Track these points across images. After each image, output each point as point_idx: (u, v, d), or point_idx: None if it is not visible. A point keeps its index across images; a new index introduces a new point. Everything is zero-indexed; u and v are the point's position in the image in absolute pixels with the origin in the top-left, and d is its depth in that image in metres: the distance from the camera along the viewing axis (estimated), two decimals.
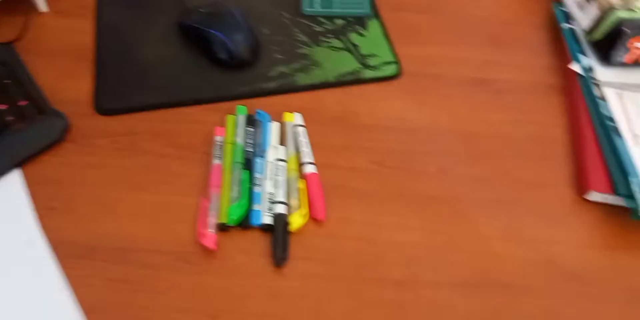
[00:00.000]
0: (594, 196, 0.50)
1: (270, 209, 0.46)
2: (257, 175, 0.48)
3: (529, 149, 0.54)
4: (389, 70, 0.58)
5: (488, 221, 0.48)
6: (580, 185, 0.51)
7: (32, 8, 0.59)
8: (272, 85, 0.55)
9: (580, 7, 0.63)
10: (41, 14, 0.59)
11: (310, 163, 0.49)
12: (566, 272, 0.46)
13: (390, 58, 0.59)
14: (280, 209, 0.46)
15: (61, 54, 0.56)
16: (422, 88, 0.58)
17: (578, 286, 0.45)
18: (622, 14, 0.57)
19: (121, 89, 0.53)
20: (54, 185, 0.47)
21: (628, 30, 0.55)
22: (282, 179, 0.48)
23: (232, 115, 0.52)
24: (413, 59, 0.60)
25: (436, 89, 0.58)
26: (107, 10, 0.60)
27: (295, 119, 0.53)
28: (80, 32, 0.58)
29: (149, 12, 0.60)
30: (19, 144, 0.48)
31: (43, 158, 0.49)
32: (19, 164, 0.48)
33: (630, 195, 0.48)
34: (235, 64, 0.55)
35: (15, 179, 0.47)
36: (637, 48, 0.57)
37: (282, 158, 0.49)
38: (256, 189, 0.47)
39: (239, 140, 0.50)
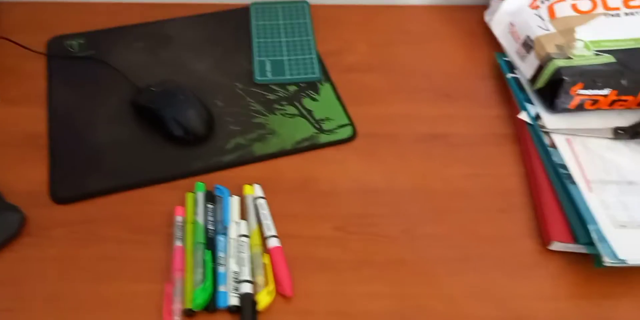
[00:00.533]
0: (557, 246, 0.51)
1: (236, 289, 0.46)
2: (220, 254, 0.47)
3: (489, 202, 0.55)
4: (344, 132, 0.59)
5: (455, 281, 0.48)
6: (542, 236, 0.52)
7: None
8: (229, 158, 0.56)
9: (521, 57, 0.65)
10: None
11: (273, 236, 0.49)
12: None
13: (344, 120, 0.60)
14: (246, 288, 0.46)
15: (13, 144, 0.55)
16: (378, 148, 0.59)
17: None
18: (560, 63, 0.59)
19: (76, 175, 0.53)
20: (10, 285, 0.46)
21: (568, 79, 0.58)
22: (246, 255, 0.48)
23: (191, 193, 0.52)
24: (367, 119, 0.61)
25: (392, 147, 0.59)
26: (58, 95, 0.60)
27: (255, 191, 0.53)
28: (32, 119, 0.58)
29: (100, 94, 0.60)
30: None
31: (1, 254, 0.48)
32: None
33: (591, 243, 0.49)
34: (190, 140, 0.56)
35: None
36: (579, 95, 0.59)
37: (245, 233, 0.49)
38: (221, 269, 0.46)
39: (200, 219, 0.50)
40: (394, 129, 0.61)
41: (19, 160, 0.54)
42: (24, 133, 0.56)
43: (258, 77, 0.64)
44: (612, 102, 0.60)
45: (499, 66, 0.67)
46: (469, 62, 0.69)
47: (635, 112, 0.62)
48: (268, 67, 0.65)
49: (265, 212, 0.51)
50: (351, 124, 0.60)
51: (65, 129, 0.57)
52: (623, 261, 0.47)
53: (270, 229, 0.49)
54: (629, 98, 0.60)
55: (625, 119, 0.61)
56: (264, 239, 0.49)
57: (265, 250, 0.49)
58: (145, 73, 0.62)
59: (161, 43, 0.67)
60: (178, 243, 0.48)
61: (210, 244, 0.48)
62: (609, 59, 0.60)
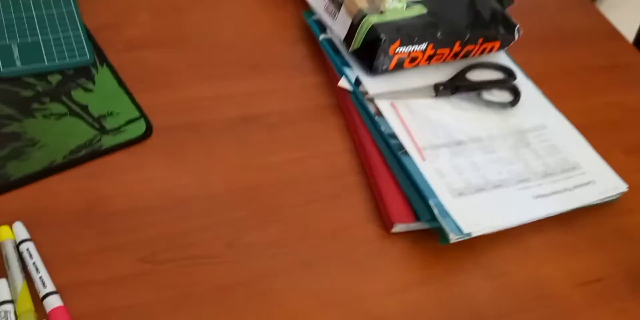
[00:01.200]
0: (400, 228, 0.45)
1: None
2: None
3: (320, 189, 0.47)
4: (136, 129, 0.47)
5: (298, 295, 0.41)
6: (383, 219, 0.46)
7: None
8: None
9: (331, 15, 0.57)
10: None
11: (51, 293, 0.36)
12: None
13: (133, 113, 0.48)
14: None
15: None
16: (182, 143, 0.47)
17: None
18: (374, 19, 0.53)
19: None
20: None
21: (385, 36, 0.51)
22: None
23: None
24: (162, 108, 0.49)
25: (199, 140, 0.48)
26: None
27: (15, 232, 0.38)
28: None
29: None
30: None
31: None
32: None
33: (434, 219, 0.44)
34: None
35: None
36: (397, 53, 0.53)
37: (7, 299, 0.35)
38: None
39: None
40: (198, 117, 0.50)
41: None
42: None
43: (2, 68, 0.47)
44: (430, 57, 0.56)
45: (309, 27, 0.59)
46: (275, 24, 0.60)
47: (451, 65, 0.58)
48: (15, 52, 0.49)
49: (34, 261, 0.37)
50: (143, 116, 0.48)
51: None
52: (469, 234, 0.44)
53: (45, 285, 0.36)
54: (445, 51, 0.56)
55: (443, 74, 0.57)
56: (40, 299, 0.36)
57: (44, 315, 0.36)
58: None
59: None
60: None
61: None
62: (420, 10, 0.56)
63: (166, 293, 0.39)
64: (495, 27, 0.58)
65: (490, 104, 0.56)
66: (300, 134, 0.51)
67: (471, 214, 0.45)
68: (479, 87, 0.57)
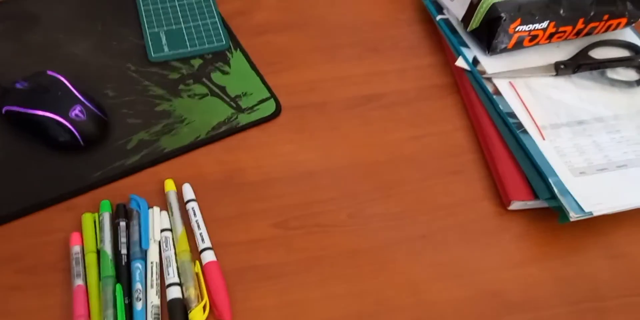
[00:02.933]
0: (517, 205, 0.46)
1: None
2: (137, 286, 0.39)
3: (439, 166, 0.49)
4: (267, 108, 0.51)
5: (416, 264, 0.43)
6: (501, 196, 0.47)
7: None
8: (133, 160, 0.47)
9: None
10: None
11: (208, 248, 0.42)
12: (511, 302, 0.42)
13: (264, 94, 0.52)
14: (175, 292, 0.38)
15: None
16: (308, 121, 0.51)
17: (527, 314, 0.41)
18: None
19: None
20: None
21: (505, 15, 0.51)
22: (173, 266, 0.40)
23: (89, 214, 0.43)
24: (290, 88, 0.53)
25: (323, 118, 0.52)
26: None
27: (184, 192, 0.44)
28: None
29: None
30: None
31: None
32: None
33: (553, 197, 0.45)
34: (81, 145, 0.46)
35: None
36: (517, 32, 0.53)
37: (170, 249, 0.41)
38: (138, 306, 0.38)
39: (106, 245, 0.41)
40: (322, 97, 0.53)
41: None
42: None
43: (153, 54, 0.54)
44: (551, 35, 0.55)
45: (426, 8, 0.60)
46: (392, 7, 0.62)
47: (573, 43, 0.57)
48: (163, 39, 0.55)
49: (197, 219, 0.43)
50: (273, 96, 0.52)
51: None
52: (590, 213, 0.43)
53: (204, 240, 0.42)
54: (567, 29, 0.55)
55: (564, 52, 0.56)
56: (194, 249, 0.42)
57: (199, 265, 0.41)
58: (10, 66, 0.51)
59: (25, 25, 0.55)
60: (78, 281, 0.39)
61: (123, 275, 0.40)
62: None
63: (297, 255, 0.43)
64: (622, 3, 0.55)
65: (615, 82, 0.54)
66: (418, 112, 0.53)
67: (593, 193, 0.45)
68: (602, 65, 0.55)
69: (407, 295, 0.42)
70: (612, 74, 0.55)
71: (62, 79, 0.47)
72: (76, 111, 0.46)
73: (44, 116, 0.45)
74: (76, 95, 0.47)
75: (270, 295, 0.41)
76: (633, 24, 0.57)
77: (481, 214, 0.46)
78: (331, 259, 0.43)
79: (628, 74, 0.55)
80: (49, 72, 0.48)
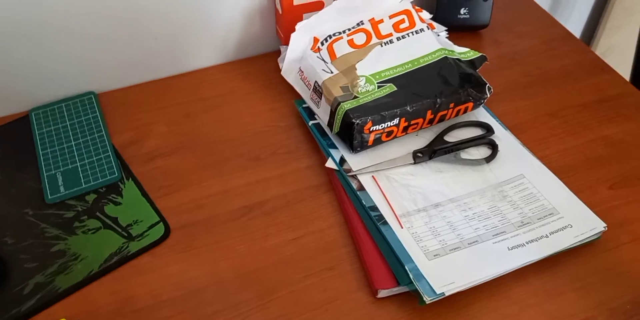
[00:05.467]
0: (385, 293, 0.51)
1: None
2: None
3: (315, 264, 0.54)
4: (156, 233, 0.56)
5: None
6: (370, 286, 0.52)
7: None
8: (29, 304, 0.51)
9: (316, 103, 0.66)
10: None
11: None
12: None
13: (154, 219, 0.57)
14: None
15: None
16: (195, 239, 0.56)
17: None
18: (347, 105, 0.60)
19: None
20: None
21: (357, 121, 0.58)
22: None
23: None
24: (179, 209, 0.59)
25: (209, 234, 0.57)
26: None
27: None
28: None
29: None
30: None
31: None
32: None
33: (412, 282, 0.50)
34: None
35: None
36: (372, 131, 0.60)
37: None
38: None
39: None
40: (208, 212, 0.59)
41: None
42: None
43: (50, 196, 0.59)
44: (405, 128, 0.62)
45: (301, 114, 0.67)
46: (272, 115, 0.69)
47: (432, 129, 0.64)
48: (59, 180, 0.61)
49: None
50: (162, 220, 0.57)
51: None
52: (442, 294, 0.48)
53: None
54: (419, 121, 0.62)
55: (423, 139, 0.63)
56: None
57: None
58: None
59: None
60: None
61: None
62: (390, 88, 0.62)
63: None
64: (465, 91, 0.63)
65: (467, 162, 0.61)
66: (296, 214, 0.58)
67: (445, 273, 0.50)
68: (456, 148, 0.62)
69: None
70: (464, 154, 0.61)
71: None
72: None
73: None
74: None
75: None
76: (482, 105, 0.65)
77: (355, 305, 0.51)
78: None
79: (480, 152, 0.62)
80: None
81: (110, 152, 0.64)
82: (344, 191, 0.59)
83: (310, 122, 0.66)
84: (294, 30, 0.67)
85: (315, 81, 0.65)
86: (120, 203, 0.59)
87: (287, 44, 0.69)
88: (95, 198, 0.59)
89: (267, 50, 0.78)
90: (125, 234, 0.56)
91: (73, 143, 0.65)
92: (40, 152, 0.64)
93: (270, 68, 0.75)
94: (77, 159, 0.63)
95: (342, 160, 0.61)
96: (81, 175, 0.61)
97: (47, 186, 0.60)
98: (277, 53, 0.75)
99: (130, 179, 0.61)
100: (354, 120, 0.58)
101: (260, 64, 0.76)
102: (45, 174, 0.61)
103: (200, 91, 0.72)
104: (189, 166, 0.63)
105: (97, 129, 0.67)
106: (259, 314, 0.50)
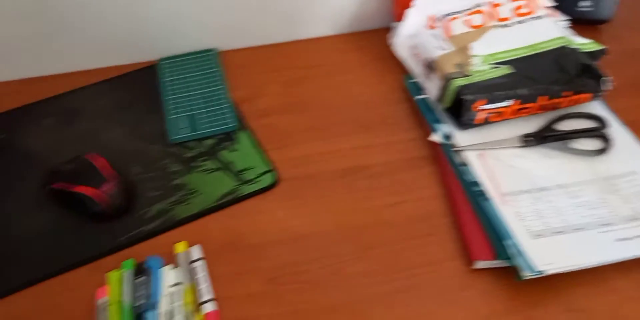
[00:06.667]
0: (481, 264, 0.52)
1: None
2: None
3: (414, 229, 0.56)
4: (266, 180, 0.60)
5: (390, 317, 0.49)
6: (467, 256, 0.53)
7: None
8: (152, 226, 0.56)
9: (426, 78, 0.67)
10: None
11: (209, 300, 0.49)
12: None
13: (264, 168, 0.61)
14: None
15: None
16: (301, 191, 0.59)
17: None
18: (459, 82, 0.61)
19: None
20: None
21: (468, 97, 0.60)
22: (180, 318, 0.48)
23: (113, 272, 0.52)
24: (287, 162, 0.62)
25: (314, 188, 0.60)
26: None
27: (191, 253, 0.53)
28: None
29: (14, 181, 0.60)
30: None
31: None
32: None
33: (510, 258, 0.51)
34: (110, 215, 0.56)
35: None
36: (482, 110, 0.61)
37: (178, 301, 0.49)
38: None
39: (126, 297, 0.49)
40: (315, 169, 0.62)
41: None
42: None
43: (173, 136, 0.64)
44: (516, 111, 0.62)
45: (408, 89, 0.69)
46: (381, 88, 0.71)
47: (540, 116, 0.64)
48: (182, 124, 0.65)
49: (202, 275, 0.51)
50: (272, 170, 0.61)
51: None
52: (541, 272, 0.49)
53: (206, 294, 0.50)
54: (531, 105, 0.62)
55: (532, 124, 0.63)
56: (199, 303, 0.49)
57: (202, 316, 0.49)
58: (57, 151, 0.62)
59: (70, 117, 0.66)
60: None
61: None
62: (506, 70, 0.63)
63: (284, 308, 0.50)
64: (581, 81, 0.62)
65: (577, 151, 0.60)
66: (398, 181, 0.60)
67: (547, 253, 0.50)
68: (566, 137, 0.62)
69: None
70: (575, 144, 0.61)
71: (97, 160, 0.58)
72: (107, 187, 0.56)
73: (80, 192, 0.55)
74: (108, 174, 0.57)
75: None
76: (599, 97, 0.64)
77: (451, 272, 0.53)
78: (314, 311, 0.50)
79: (592, 144, 0.61)
80: (86, 155, 0.58)
81: (227, 104, 0.68)
82: (448, 164, 0.60)
83: (418, 97, 0.67)
84: (408, 7, 0.68)
85: (428, 57, 0.66)
86: (235, 150, 0.63)
87: (400, 20, 0.70)
88: (213, 143, 0.64)
89: (379, 26, 0.80)
90: (238, 178, 0.60)
91: (195, 92, 0.70)
92: (166, 98, 0.69)
93: (381, 43, 0.77)
94: (198, 107, 0.68)
95: (448, 136, 0.62)
96: (201, 121, 0.66)
97: (171, 128, 0.65)
98: (389, 29, 0.77)
99: (245, 131, 0.65)
100: (464, 97, 0.60)
101: (372, 38, 0.78)
102: (169, 117, 0.66)
103: (312, 59, 0.75)
104: (299, 126, 0.67)
105: (217, 82, 0.71)
106: (356, 265, 0.53)
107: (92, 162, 0.57)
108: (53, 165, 0.59)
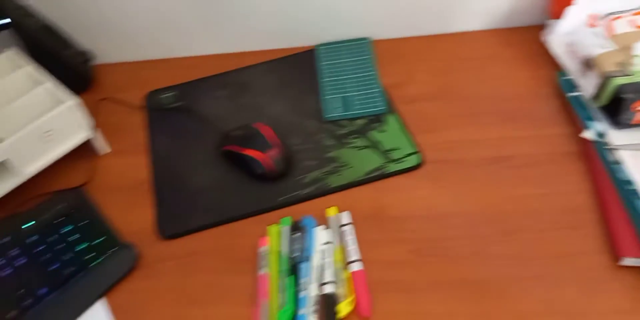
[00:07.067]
0: (629, 261, 0.52)
1: (314, 311, 0.51)
2: (302, 280, 0.53)
3: (558, 220, 0.56)
4: (412, 161, 0.63)
5: (528, 299, 0.51)
6: (613, 251, 0.53)
7: (95, 152, 0.69)
8: (307, 191, 0.61)
9: (582, 75, 0.67)
10: (104, 155, 0.69)
11: (356, 260, 0.54)
12: None
13: (411, 149, 0.65)
14: (329, 288, 0.51)
15: (123, 190, 0.65)
16: (445, 174, 0.62)
17: None
18: (621, 80, 0.61)
19: (178, 214, 0.61)
20: (131, 312, 0.54)
21: (628, 96, 0.59)
22: (330, 271, 0.53)
23: (273, 226, 0.58)
24: (433, 146, 0.65)
25: (459, 172, 0.62)
26: (157, 144, 0.69)
27: (341, 218, 0.58)
28: (137, 167, 0.67)
29: (192, 141, 0.69)
30: (99, 278, 0.56)
31: (121, 286, 0.56)
32: (102, 295, 0.55)
33: None
34: (271, 177, 0.62)
35: (100, 309, 0.54)
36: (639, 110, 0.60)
37: (329, 257, 0.54)
38: (301, 294, 0.52)
39: (284, 248, 0.56)
40: (460, 155, 0.64)
41: (130, 203, 0.63)
42: (132, 179, 0.66)
43: (328, 115, 0.70)
44: None
45: (560, 85, 0.69)
46: (530, 83, 0.71)
47: None
48: (336, 104, 0.71)
49: (351, 238, 0.56)
50: (418, 152, 0.64)
51: (166, 174, 0.66)
52: None
53: (353, 254, 0.54)
54: None
55: None
56: (347, 262, 0.54)
57: (348, 273, 0.54)
58: (228, 119, 0.70)
59: (240, 90, 0.75)
60: (262, 271, 0.54)
61: (293, 271, 0.54)
62: None
63: (426, 277, 0.53)
64: None
65: None
66: (543, 174, 0.61)
67: None
68: None
69: (512, 314, 0.49)
70: None
71: (264, 129, 0.65)
72: (271, 153, 0.62)
73: (248, 155, 0.62)
74: (272, 142, 0.64)
75: (400, 304, 0.52)
76: None
77: (593, 265, 0.53)
78: (454, 284, 0.52)
79: None
80: (254, 124, 0.66)
81: (378, 89, 0.72)
82: (599, 162, 0.59)
83: (571, 94, 0.67)
84: (566, 5, 0.68)
85: (586, 55, 0.66)
86: (384, 131, 0.67)
87: (556, 18, 0.70)
88: (363, 123, 0.68)
89: (531, 23, 0.80)
90: (386, 156, 0.64)
91: (348, 76, 0.75)
92: (322, 80, 0.75)
93: (532, 39, 0.77)
94: (351, 89, 0.73)
95: (601, 134, 0.62)
96: (354, 103, 0.71)
97: (325, 106, 0.71)
98: (542, 26, 0.77)
99: (393, 114, 0.69)
100: (623, 96, 0.59)
101: (523, 34, 0.78)
102: (324, 97, 0.72)
103: (462, 51, 0.77)
104: (445, 113, 0.69)
105: (369, 68, 0.76)
106: (496, 247, 0.55)
107: (259, 130, 0.64)
108: (225, 130, 0.67)
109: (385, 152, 0.65)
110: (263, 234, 0.58)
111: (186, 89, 0.75)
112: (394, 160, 0.63)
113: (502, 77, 0.72)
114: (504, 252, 0.54)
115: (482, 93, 0.71)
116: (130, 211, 0.62)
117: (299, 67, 0.77)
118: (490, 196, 0.59)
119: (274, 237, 0.57)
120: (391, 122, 0.68)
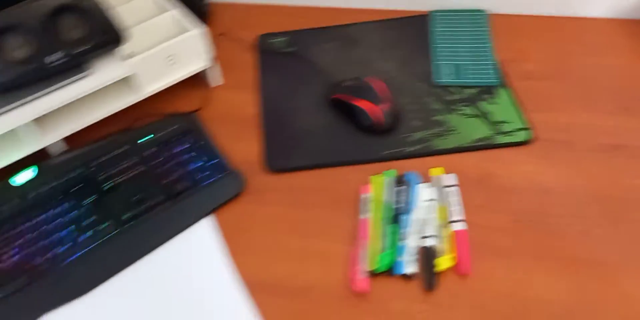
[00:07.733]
0: None
1: (414, 261, 0.51)
2: (403, 230, 0.53)
3: None
4: (521, 135, 0.62)
5: (635, 283, 0.49)
6: None
7: (209, 83, 0.71)
8: (412, 149, 0.61)
9: None
10: (216, 87, 0.71)
11: (460, 220, 0.54)
12: None
13: (521, 124, 0.63)
14: (430, 242, 0.52)
15: (233, 121, 0.66)
16: (554, 153, 0.61)
17: None
18: None
19: (285, 151, 0.62)
20: (237, 231, 0.56)
21: None
22: (432, 227, 0.53)
23: (377, 176, 0.58)
24: (543, 125, 0.63)
25: (569, 154, 0.61)
26: (267, 84, 0.70)
27: (446, 179, 0.58)
28: (247, 102, 0.68)
29: (301, 85, 0.69)
30: (208, 197, 0.58)
31: (227, 208, 0.58)
32: (209, 212, 0.57)
33: None
34: (378, 131, 0.62)
35: (206, 225, 0.56)
36: None
37: (431, 214, 0.54)
38: (401, 243, 0.52)
39: (386, 198, 0.56)
40: (571, 137, 0.62)
41: (237, 134, 0.65)
42: (241, 113, 0.67)
43: (437, 79, 0.69)
44: None
45: None
46: None
47: None
48: (446, 70, 0.70)
49: (456, 199, 0.55)
50: (528, 128, 0.63)
51: (274, 113, 0.66)
52: None
53: (457, 214, 0.54)
54: None
55: None
56: (449, 221, 0.54)
57: (450, 232, 0.54)
58: (337, 69, 0.70)
59: (349, 44, 0.74)
60: (364, 216, 0.54)
61: (394, 220, 0.54)
62: None
63: (527, 247, 0.53)
64: None
65: None
66: None
67: None
68: None
69: (624, 306, 0.49)
70: None
71: (376, 83, 0.64)
72: (381, 106, 0.62)
73: (358, 106, 0.62)
74: (384, 96, 0.63)
75: (499, 268, 0.51)
76: None
77: None
78: (556, 257, 0.52)
79: None
80: (366, 78, 0.66)
81: (491, 61, 0.70)
82: None
83: None
84: None
85: None
86: (495, 103, 0.66)
87: None
88: (474, 93, 0.67)
89: None
90: (494, 128, 0.63)
91: (461, 45, 0.73)
92: (434, 45, 0.73)
93: None
94: (464, 58, 0.71)
95: None
96: (466, 71, 0.69)
97: (436, 71, 0.70)
98: None
99: (505, 88, 0.67)
100: None
101: None
102: (435, 62, 0.71)
103: (583, 37, 0.75)
104: (559, 94, 0.67)
105: (484, 40, 0.74)
106: (606, 229, 0.53)
107: (371, 84, 0.64)
108: (336, 80, 0.67)
109: (495, 124, 0.63)
110: (366, 182, 0.58)
111: (296, 37, 0.75)
112: (503, 133, 0.62)
113: (622, 67, 0.70)
114: (611, 236, 0.53)
115: (600, 80, 0.68)
116: (238, 142, 0.64)
117: (410, 29, 0.76)
118: (599, 181, 0.58)
119: (377, 186, 0.57)
120: (503, 95, 0.67)
